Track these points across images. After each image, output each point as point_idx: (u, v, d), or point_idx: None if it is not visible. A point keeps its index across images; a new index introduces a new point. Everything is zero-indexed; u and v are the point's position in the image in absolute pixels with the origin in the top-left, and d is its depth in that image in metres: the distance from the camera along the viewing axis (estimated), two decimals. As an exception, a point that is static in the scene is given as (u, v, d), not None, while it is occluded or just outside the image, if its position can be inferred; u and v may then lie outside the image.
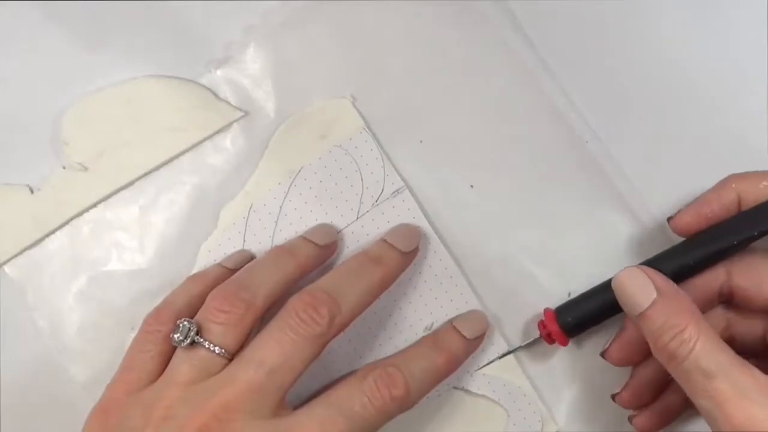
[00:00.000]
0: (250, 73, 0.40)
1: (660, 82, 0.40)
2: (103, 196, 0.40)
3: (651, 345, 0.31)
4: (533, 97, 0.40)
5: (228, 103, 0.40)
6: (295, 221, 0.40)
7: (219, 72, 0.40)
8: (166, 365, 0.34)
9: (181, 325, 0.33)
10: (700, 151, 0.39)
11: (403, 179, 0.40)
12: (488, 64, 0.40)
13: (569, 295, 0.39)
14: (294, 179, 0.40)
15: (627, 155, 0.40)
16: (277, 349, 0.32)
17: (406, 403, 0.34)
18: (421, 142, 0.40)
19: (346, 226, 0.40)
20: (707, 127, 0.40)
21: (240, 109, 0.40)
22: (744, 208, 0.35)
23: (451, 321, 0.38)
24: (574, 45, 0.40)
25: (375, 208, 0.40)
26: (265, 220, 0.40)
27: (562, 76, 0.40)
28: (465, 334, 0.37)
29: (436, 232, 0.39)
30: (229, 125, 0.40)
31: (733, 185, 0.35)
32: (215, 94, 0.40)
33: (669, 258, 0.35)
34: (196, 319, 0.34)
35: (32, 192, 0.39)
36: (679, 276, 0.34)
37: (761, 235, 0.34)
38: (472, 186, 0.40)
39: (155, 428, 0.32)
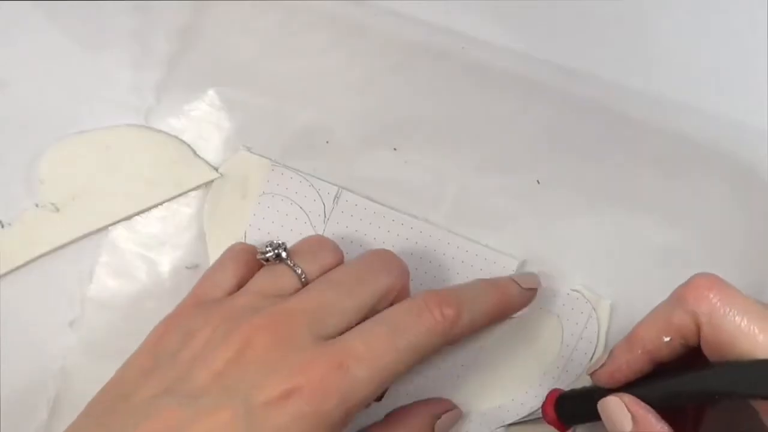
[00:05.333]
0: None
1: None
2: (71, 239, 0.40)
3: None
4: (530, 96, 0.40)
5: (205, 161, 0.41)
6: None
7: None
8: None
9: (273, 242, 0.35)
10: (700, 152, 0.39)
11: (335, 184, 0.40)
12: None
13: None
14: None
15: (626, 156, 0.39)
16: (352, 277, 0.33)
17: (455, 327, 0.33)
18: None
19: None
20: (707, 128, 0.39)
21: (216, 170, 0.41)
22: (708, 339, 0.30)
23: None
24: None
25: (329, 223, 0.39)
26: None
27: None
28: (519, 282, 0.36)
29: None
30: (204, 185, 0.41)
31: (689, 307, 0.31)
32: (194, 152, 0.41)
33: (661, 382, 0.32)
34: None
35: (2, 226, 0.40)
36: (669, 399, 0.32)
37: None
38: (467, 181, 0.40)
39: (213, 328, 0.32)
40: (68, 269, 0.40)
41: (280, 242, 0.35)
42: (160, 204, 0.41)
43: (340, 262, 0.35)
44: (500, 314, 0.36)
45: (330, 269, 0.35)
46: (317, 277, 0.34)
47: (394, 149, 0.40)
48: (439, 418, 0.37)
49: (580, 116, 0.39)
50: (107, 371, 0.39)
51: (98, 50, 0.41)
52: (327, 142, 0.40)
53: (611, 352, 0.33)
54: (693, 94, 0.39)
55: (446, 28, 0.40)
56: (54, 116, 0.41)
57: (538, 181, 0.39)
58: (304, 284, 0.34)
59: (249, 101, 0.41)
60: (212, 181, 0.41)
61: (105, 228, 0.40)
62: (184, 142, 0.41)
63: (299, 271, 0.34)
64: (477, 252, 0.39)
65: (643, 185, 0.39)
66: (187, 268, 0.40)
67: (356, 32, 0.41)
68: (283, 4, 0.41)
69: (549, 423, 0.36)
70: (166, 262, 0.41)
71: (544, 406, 0.36)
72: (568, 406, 0.36)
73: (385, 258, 0.35)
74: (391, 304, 0.34)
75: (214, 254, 0.40)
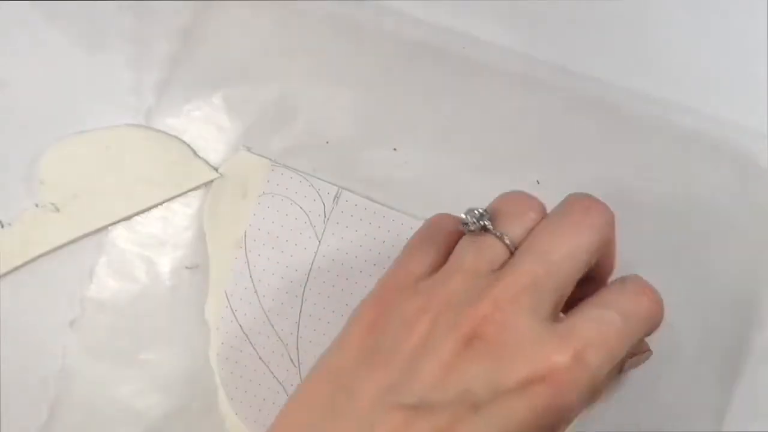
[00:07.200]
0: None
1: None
2: (71, 239, 0.40)
3: None
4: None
5: (205, 161, 0.41)
6: (269, 279, 0.40)
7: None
8: (445, 261, 0.32)
9: (475, 211, 0.32)
10: (700, 153, 0.39)
11: (335, 184, 0.40)
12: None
13: None
14: (245, 246, 0.40)
15: (626, 156, 0.39)
16: (560, 238, 0.31)
17: (657, 321, 0.31)
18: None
19: (315, 256, 0.39)
20: (707, 128, 0.39)
21: (216, 170, 0.41)
22: None
23: None
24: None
25: (329, 223, 0.40)
26: (246, 297, 0.40)
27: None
28: None
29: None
30: (204, 185, 0.41)
31: None
32: (194, 152, 0.41)
33: None
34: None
35: (2, 226, 0.40)
36: None
37: None
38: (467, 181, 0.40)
39: (434, 318, 0.30)
40: (68, 269, 0.40)
41: (482, 210, 0.32)
42: (160, 204, 0.41)
43: (544, 216, 0.32)
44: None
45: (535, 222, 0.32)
46: (522, 241, 0.31)
47: (394, 149, 0.40)
48: (633, 356, 0.35)
49: (580, 116, 0.39)
50: (107, 371, 0.39)
51: (98, 50, 0.41)
52: (327, 142, 0.40)
53: None
54: (693, 94, 0.39)
55: (446, 28, 0.40)
56: (54, 116, 0.41)
57: (538, 181, 0.39)
58: (512, 252, 0.31)
59: (249, 101, 0.41)
60: (212, 181, 0.41)
61: (105, 228, 0.40)
62: (184, 142, 0.41)
63: (507, 241, 0.31)
64: None
65: (642, 185, 0.39)
66: (187, 268, 0.40)
67: (356, 32, 0.41)
68: (283, 4, 0.41)
69: None
70: (166, 262, 0.40)
71: None
72: None
73: (589, 210, 0.32)
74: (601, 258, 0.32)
75: (214, 254, 0.40)
